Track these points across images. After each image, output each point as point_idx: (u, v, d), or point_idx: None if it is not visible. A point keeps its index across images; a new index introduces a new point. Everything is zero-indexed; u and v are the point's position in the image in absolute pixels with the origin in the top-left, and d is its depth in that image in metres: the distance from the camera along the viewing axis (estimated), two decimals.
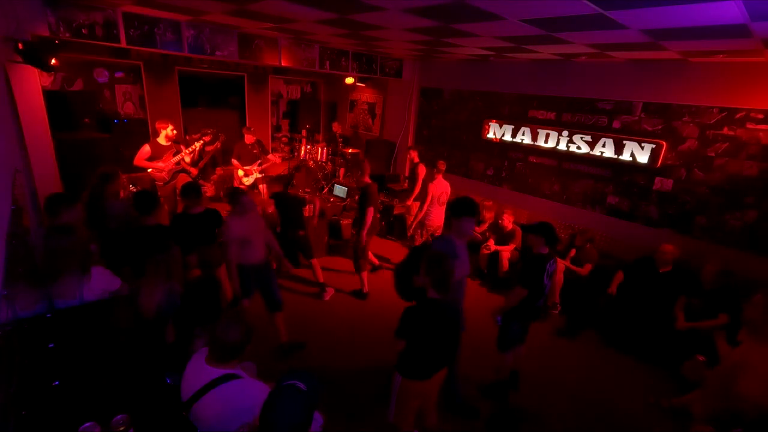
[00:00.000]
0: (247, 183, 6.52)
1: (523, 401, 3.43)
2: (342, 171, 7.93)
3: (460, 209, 2.85)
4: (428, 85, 7.23)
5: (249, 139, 6.42)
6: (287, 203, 4.66)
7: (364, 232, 4.56)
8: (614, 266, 4.61)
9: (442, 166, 5.28)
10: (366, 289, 4.86)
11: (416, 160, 6.04)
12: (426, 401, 2.63)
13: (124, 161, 5.59)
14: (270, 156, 6.72)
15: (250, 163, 6.43)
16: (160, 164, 5.16)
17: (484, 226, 5.69)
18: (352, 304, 4.75)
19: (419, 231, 5.52)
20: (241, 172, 6.45)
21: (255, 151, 6.49)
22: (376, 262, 5.55)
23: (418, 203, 6.08)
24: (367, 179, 4.51)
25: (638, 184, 4.82)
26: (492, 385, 3.49)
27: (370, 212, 4.45)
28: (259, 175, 6.55)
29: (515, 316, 3.26)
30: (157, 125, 5.25)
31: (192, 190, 3.61)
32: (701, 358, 3.00)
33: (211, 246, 3.81)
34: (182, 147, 5.42)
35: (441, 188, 5.25)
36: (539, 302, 3.19)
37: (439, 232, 5.46)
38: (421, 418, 2.72)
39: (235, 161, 6.39)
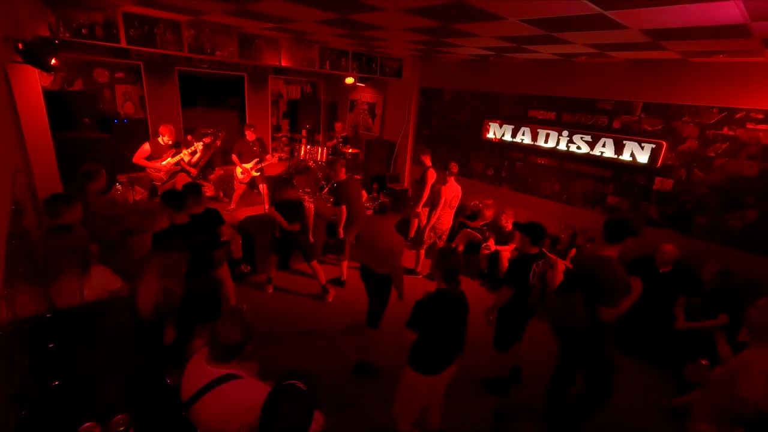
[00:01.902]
0: (244, 182, 6.50)
1: (524, 398, 3.44)
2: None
3: (632, 229, 2.61)
4: (428, 85, 7.23)
5: (250, 136, 6.40)
6: (286, 208, 4.59)
7: (340, 228, 4.87)
8: None
9: (454, 168, 5.15)
10: (344, 277, 5.21)
11: (428, 164, 5.69)
12: (432, 400, 2.65)
13: (124, 161, 5.59)
14: (268, 156, 6.72)
15: (250, 161, 6.41)
16: (158, 164, 5.17)
17: (480, 222, 5.73)
18: (351, 306, 4.75)
19: (430, 234, 5.47)
20: (239, 170, 6.43)
21: (255, 148, 6.47)
22: (344, 277, 5.28)
23: (427, 209, 6.01)
24: (342, 176, 4.84)
25: (638, 184, 4.82)
26: (493, 380, 3.51)
27: (343, 209, 4.75)
28: (256, 174, 6.54)
29: (507, 316, 3.28)
30: (160, 129, 5.29)
31: (191, 190, 3.61)
32: (704, 362, 3.00)
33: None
34: (183, 148, 5.43)
35: (453, 192, 5.18)
36: (530, 301, 3.19)
37: (446, 236, 5.43)
38: (424, 418, 2.74)
39: (235, 157, 6.36)
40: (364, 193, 5.38)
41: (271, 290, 4.88)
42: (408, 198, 4.55)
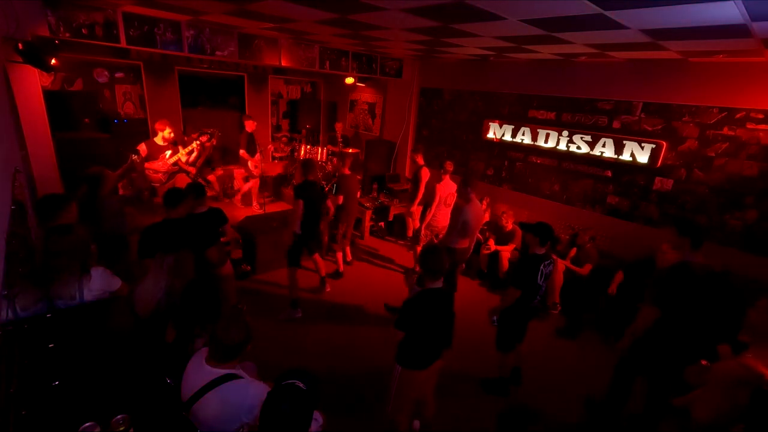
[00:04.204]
0: (257, 174, 6.45)
1: (526, 400, 3.44)
2: None
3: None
4: (428, 85, 7.23)
5: (251, 126, 6.32)
6: (312, 194, 4.22)
7: (330, 214, 4.96)
8: (614, 266, 4.60)
9: (449, 166, 5.19)
10: (341, 269, 5.35)
11: (420, 162, 5.72)
12: (424, 392, 2.71)
13: (124, 161, 5.58)
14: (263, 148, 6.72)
15: (255, 153, 6.37)
16: (156, 164, 5.16)
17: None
18: (349, 306, 4.76)
19: (426, 232, 5.48)
20: (251, 164, 6.37)
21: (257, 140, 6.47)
22: (341, 268, 5.41)
23: (421, 208, 6.01)
24: (347, 171, 4.88)
25: (638, 184, 4.82)
26: (493, 381, 3.51)
27: (340, 199, 4.83)
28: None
29: (511, 317, 3.28)
30: (157, 126, 5.26)
31: (193, 189, 3.61)
32: (704, 363, 3.00)
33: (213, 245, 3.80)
34: (180, 147, 5.41)
35: (448, 189, 5.20)
36: (534, 302, 3.20)
37: (443, 234, 5.44)
38: (420, 409, 2.80)
39: (243, 152, 6.30)
40: (358, 192, 5.51)
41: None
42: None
